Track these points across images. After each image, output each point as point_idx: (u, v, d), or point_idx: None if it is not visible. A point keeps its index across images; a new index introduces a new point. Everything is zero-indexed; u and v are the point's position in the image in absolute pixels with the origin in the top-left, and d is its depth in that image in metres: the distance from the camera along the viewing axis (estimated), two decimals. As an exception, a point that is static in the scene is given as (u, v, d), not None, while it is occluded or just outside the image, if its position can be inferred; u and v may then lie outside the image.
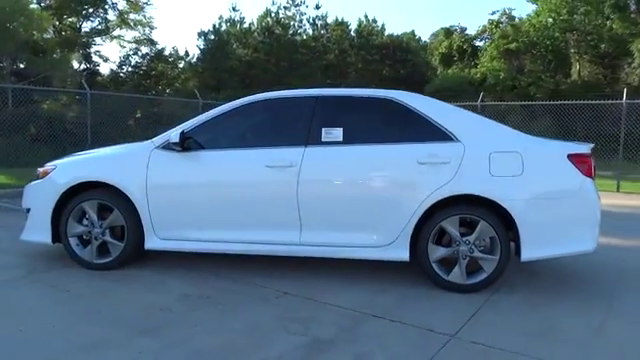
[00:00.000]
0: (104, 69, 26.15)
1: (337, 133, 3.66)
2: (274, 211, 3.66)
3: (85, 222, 3.91)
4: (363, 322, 2.98)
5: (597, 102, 12.67)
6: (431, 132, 3.59)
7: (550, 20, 21.98)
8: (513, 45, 21.70)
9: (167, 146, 3.78)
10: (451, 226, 3.48)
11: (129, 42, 26.23)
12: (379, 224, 3.55)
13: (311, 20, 29.56)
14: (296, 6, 28.59)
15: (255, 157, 3.69)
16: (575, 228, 3.48)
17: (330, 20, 29.12)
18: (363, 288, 3.56)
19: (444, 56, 25.98)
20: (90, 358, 2.48)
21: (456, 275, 3.50)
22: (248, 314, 3.07)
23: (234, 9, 28.74)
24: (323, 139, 3.66)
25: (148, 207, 3.74)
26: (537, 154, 3.48)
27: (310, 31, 29.14)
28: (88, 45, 25.99)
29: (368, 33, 29.00)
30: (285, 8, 27.32)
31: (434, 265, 3.52)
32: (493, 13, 25.73)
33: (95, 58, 26.54)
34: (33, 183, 4.07)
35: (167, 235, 3.78)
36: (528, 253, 3.42)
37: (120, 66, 27.36)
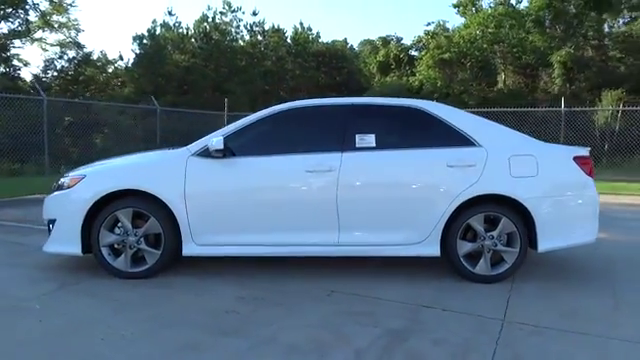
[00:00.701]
0: (25, 74, 24.46)
1: (370, 139, 3.92)
2: (314, 214, 3.85)
3: (117, 231, 3.88)
4: (420, 312, 3.25)
5: (538, 109, 13.96)
6: (455, 138, 3.95)
7: (479, 33, 23.55)
8: (447, 55, 23.01)
9: (204, 153, 3.86)
10: (477, 223, 3.85)
11: (52, 45, 24.84)
12: (413, 223, 3.85)
13: (248, 26, 29.63)
14: (233, 12, 28.46)
15: (295, 163, 3.87)
16: (580, 222, 3.97)
17: (267, 27, 29.33)
18: (400, 283, 3.83)
19: (381, 64, 26.99)
20: (188, 357, 2.56)
21: (482, 267, 3.87)
22: (312, 311, 3.24)
23: (170, 13, 28.09)
24: (357, 145, 3.90)
25: (187, 214, 3.80)
26: (548, 157, 3.95)
27: (247, 37, 29.16)
28: (6, 48, 24.30)
29: (304, 40, 29.52)
30: (222, 14, 27.12)
31: (462, 259, 3.87)
32: (428, 24, 27.11)
33: (15, 62, 24.86)
34: (57, 193, 3.97)
35: (205, 241, 3.85)
36: (543, 245, 3.86)
37: (45, 70, 25.78)
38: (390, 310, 3.28)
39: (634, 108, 14.65)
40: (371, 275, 4.02)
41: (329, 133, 4.00)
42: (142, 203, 3.84)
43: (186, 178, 3.82)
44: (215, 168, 3.85)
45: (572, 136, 13.40)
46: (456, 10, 26.03)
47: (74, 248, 3.86)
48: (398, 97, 18.74)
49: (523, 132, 4.21)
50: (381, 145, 3.91)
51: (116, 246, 3.90)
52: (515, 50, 23.09)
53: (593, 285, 3.86)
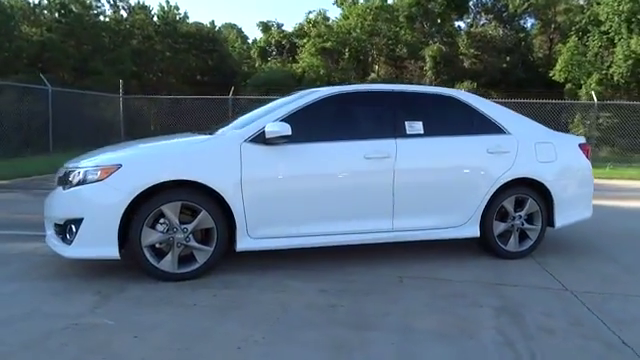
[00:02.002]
0: None
1: (418, 126, 4.00)
2: (372, 201, 3.82)
3: (160, 228, 3.41)
4: (500, 290, 3.44)
5: None
6: (489, 126, 4.22)
7: (357, 24, 24.65)
8: (328, 44, 23.70)
9: (257, 139, 3.57)
10: (509, 204, 4.18)
11: None
12: (458, 207, 4.04)
13: (111, 1, 27.14)
14: (92, -18, 25.81)
15: (353, 149, 3.78)
16: (582, 200, 4.54)
17: (132, 2, 27.19)
18: (452, 265, 4.00)
19: (262, 50, 26.74)
20: (354, 357, 2.42)
21: (512, 244, 4.22)
22: (409, 297, 3.23)
23: (17, -23, 24.24)
24: (407, 132, 3.95)
25: (243, 206, 3.48)
26: (562, 144, 4.42)
27: (110, 12, 26.73)
28: None
29: (172, 20, 28.02)
30: (80, -16, 24.37)
31: (497, 239, 4.18)
32: (310, 12, 27.50)
33: None
34: (82, 187, 3.33)
35: (262, 234, 3.58)
36: (559, 222, 4.35)
37: None
38: (476, 290, 3.42)
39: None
40: (420, 259, 4.10)
41: (381, 120, 3.98)
42: (192, 195, 3.42)
43: (242, 166, 3.49)
44: (272, 155, 3.58)
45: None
46: (334, 1, 26.83)
47: (110, 250, 3.30)
48: (285, 84, 18.84)
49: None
50: (427, 132, 4.01)
51: (157, 245, 3.43)
52: (390, 43, 24.66)
53: (599, 256, 4.45)
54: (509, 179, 4.12)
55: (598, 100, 16.12)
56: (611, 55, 20.82)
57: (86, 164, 3.44)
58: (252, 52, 27.56)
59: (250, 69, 27.73)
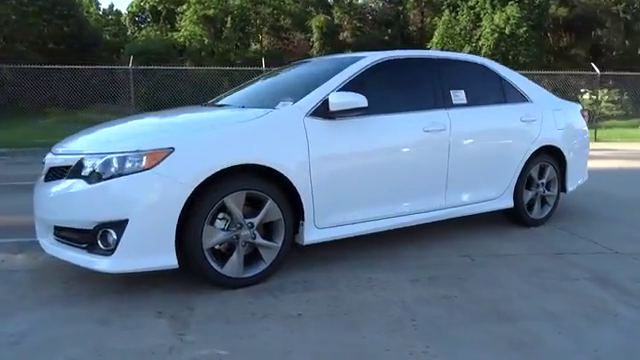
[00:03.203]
0: None
1: (462, 95, 3.78)
2: (430, 177, 3.55)
3: (219, 224, 2.76)
4: (567, 259, 3.43)
5: None
6: (515, 94, 4.16)
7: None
8: (210, 12, 22.27)
9: (317, 112, 3.05)
10: (535, 172, 4.20)
11: None
12: (498, 178, 3.95)
13: None
14: None
15: (413, 122, 3.44)
16: (584, 164, 4.75)
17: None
18: (494, 237, 3.91)
19: (135, 16, 24.20)
20: (540, 353, 2.17)
21: (536, 212, 4.28)
22: (503, 279, 3.03)
23: None
24: (454, 101, 3.71)
25: (312, 192, 2.97)
26: (570, 110, 4.55)
27: None
28: None
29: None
30: None
31: (525, 207, 4.19)
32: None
33: None
34: (124, 179, 2.52)
35: (327, 222, 3.10)
36: (570, 186, 4.51)
37: None
38: (547, 262, 3.35)
39: None
40: (456, 235, 3.94)
41: (431, 89, 3.65)
42: (258, 182, 2.81)
43: (309, 145, 2.96)
44: (335, 130, 3.08)
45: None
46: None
47: (166, 258, 2.58)
48: (165, 53, 17.57)
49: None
50: (469, 102, 3.81)
51: (216, 247, 2.78)
52: (274, 12, 23.99)
53: (603, 216, 4.71)
54: (537, 147, 4.12)
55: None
56: (478, 29, 22.71)
57: (118, 148, 2.61)
58: (123, 19, 24.77)
59: (114, 37, 25.01)
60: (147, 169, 2.52)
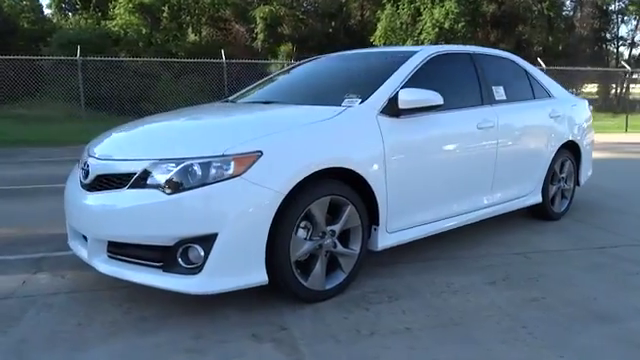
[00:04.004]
0: None
1: (502, 91, 3.75)
2: (481, 175, 3.50)
3: (302, 234, 2.53)
4: (614, 253, 3.50)
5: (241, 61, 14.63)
6: (540, 90, 4.20)
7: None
8: (147, 0, 21.08)
9: (386, 109, 2.88)
10: (558, 167, 4.28)
11: None
12: (532, 174, 3.98)
13: None
14: None
15: (468, 118, 3.36)
16: (590, 159, 4.90)
17: None
18: (524, 233, 3.93)
19: (61, 2, 22.37)
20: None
21: (557, 206, 4.37)
22: (575, 278, 3.03)
23: None
24: (496, 97, 3.67)
25: (386, 195, 2.81)
26: (582, 106, 4.67)
27: None
28: None
29: None
30: None
31: (549, 202, 4.25)
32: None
33: None
34: (211, 188, 2.21)
35: (396, 226, 2.95)
36: (582, 180, 4.65)
37: None
38: (598, 257, 3.40)
39: (297, 63, 17.56)
40: (496, 232, 3.92)
41: (476, 84, 3.58)
42: (339, 187, 2.60)
43: (384, 145, 2.78)
44: (403, 129, 2.92)
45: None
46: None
47: (257, 275, 2.32)
48: (100, 44, 16.59)
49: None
50: (508, 98, 3.79)
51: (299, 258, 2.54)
52: (215, 3, 23.13)
53: (609, 207, 4.90)
54: (563, 142, 4.20)
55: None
56: (419, 23, 23.22)
57: (196, 152, 2.29)
58: (46, 5, 22.82)
59: (32, 26, 22.94)
60: (236, 176, 2.24)
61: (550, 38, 28.21)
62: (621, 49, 31.29)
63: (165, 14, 22.00)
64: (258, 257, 2.30)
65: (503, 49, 5.11)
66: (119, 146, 2.65)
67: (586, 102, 4.82)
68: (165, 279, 2.27)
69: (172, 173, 2.25)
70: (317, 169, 2.43)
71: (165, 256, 2.27)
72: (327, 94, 3.13)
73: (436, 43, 22.41)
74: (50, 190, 5.36)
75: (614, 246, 3.64)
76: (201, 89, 17.12)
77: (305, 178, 2.40)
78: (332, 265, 2.65)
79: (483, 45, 4.37)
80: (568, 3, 30.47)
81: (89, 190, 2.53)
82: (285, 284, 2.43)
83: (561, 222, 4.30)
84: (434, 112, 3.07)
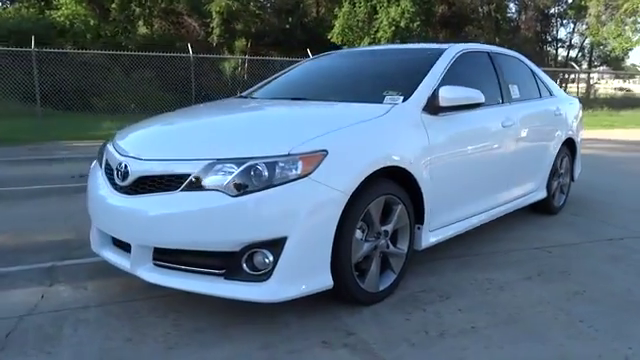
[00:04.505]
0: None
1: (516, 90, 3.82)
2: (505, 171, 3.54)
3: (359, 235, 2.45)
4: (621, 245, 3.65)
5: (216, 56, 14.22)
6: (543, 89, 4.32)
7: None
8: (95, -10, 20.11)
9: (426, 107, 2.85)
10: (558, 163, 4.41)
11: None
12: (540, 170, 4.08)
13: None
14: None
15: (495, 116, 3.39)
16: (580, 155, 5.09)
17: None
18: (534, 229, 4.02)
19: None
20: None
21: (557, 200, 4.51)
22: (601, 268, 3.13)
23: None
24: (512, 96, 3.73)
25: (430, 192, 2.78)
26: (576, 104, 4.83)
27: None
28: None
29: None
30: None
31: (552, 197, 4.39)
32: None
33: None
34: (280, 189, 2.10)
35: (437, 224, 2.94)
36: (576, 175, 4.83)
37: None
38: (618, 249, 3.54)
39: (256, 57, 17.27)
40: (505, 227, 3.98)
41: (496, 82, 3.62)
42: (392, 186, 2.55)
43: (429, 143, 2.75)
44: (441, 126, 2.90)
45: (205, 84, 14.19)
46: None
47: (323, 279, 2.24)
48: (44, 34, 15.74)
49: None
50: (522, 96, 3.86)
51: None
52: (169, -5, 22.41)
53: (599, 201, 5.11)
54: (564, 139, 4.34)
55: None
56: (375, 21, 23.47)
57: (257, 151, 2.17)
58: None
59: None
60: (304, 176, 2.13)
61: (497, 39, 29.26)
62: (560, 50, 33.11)
63: (114, 5, 21.04)
64: (324, 260, 2.21)
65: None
66: (166, 145, 2.47)
67: (577, 100, 5.01)
68: (228, 287, 2.14)
69: (235, 174, 2.11)
70: (377, 168, 2.37)
71: (228, 262, 2.13)
72: (362, 91, 3.07)
73: (392, 41, 22.76)
74: (19, 193, 5.00)
75: (620, 238, 3.79)
76: (164, 84, 16.55)
77: (366, 178, 2.32)
78: (382, 266, 2.60)
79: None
80: (512, 5, 31.75)
81: (128, 193, 2.34)
82: (346, 287, 2.35)
83: (560, 216, 4.43)
84: (466, 110, 3.07)
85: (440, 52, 3.23)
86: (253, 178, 2.10)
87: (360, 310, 2.45)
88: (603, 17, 27.95)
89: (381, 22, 22.99)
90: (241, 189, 2.09)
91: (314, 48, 20.99)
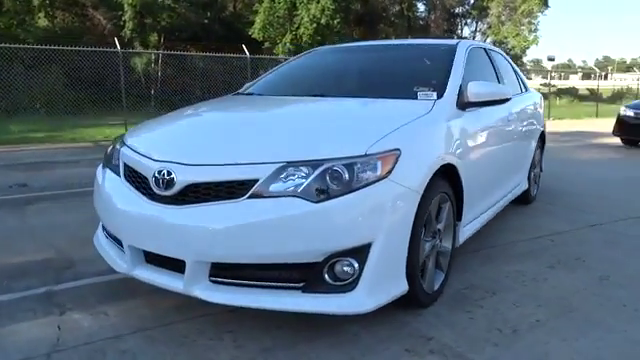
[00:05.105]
0: None
1: (509, 85, 3.93)
2: (508, 165, 3.64)
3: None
4: (607, 230, 3.92)
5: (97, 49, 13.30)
6: (521, 83, 4.50)
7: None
8: (-14, -24, 18.08)
9: (457, 103, 2.84)
10: (535, 156, 4.63)
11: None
12: (525, 163, 4.26)
13: None
14: None
15: (500, 111, 3.42)
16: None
17: None
18: (530, 217, 4.20)
19: None
20: None
21: (532, 190, 4.73)
22: (606, 254, 3.31)
23: None
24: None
25: (468, 188, 2.78)
26: (541, 98, 5.10)
27: None
28: None
29: None
30: None
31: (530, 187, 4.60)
32: None
33: None
34: (363, 192, 1.94)
35: (467, 219, 2.95)
36: (543, 165, 5.11)
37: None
38: (603, 234, 3.78)
39: (172, 52, 16.50)
40: (498, 221, 4.09)
41: (494, 78, 3.68)
42: (444, 184, 2.50)
43: (463, 139, 2.74)
44: (469, 122, 2.88)
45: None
46: None
47: (399, 285, 2.14)
48: None
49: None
50: (512, 92, 3.97)
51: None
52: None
53: (564, 191, 5.45)
54: (540, 131, 4.57)
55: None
56: (296, 18, 23.42)
57: (329, 152, 2.00)
58: None
59: None
60: (383, 177, 2.01)
61: (409, 37, 30.47)
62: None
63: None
64: (402, 264, 2.11)
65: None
66: (217, 148, 2.19)
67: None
68: (307, 301, 1.96)
69: (311, 178, 1.94)
70: (440, 165, 2.32)
71: (307, 274, 1.95)
72: (388, 87, 2.98)
73: (314, 38, 22.85)
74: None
75: (600, 224, 4.06)
76: (72, 82, 15.29)
77: (432, 176, 2.25)
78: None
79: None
80: (420, 5, 33.16)
81: (174, 203, 2.07)
82: (414, 290, 2.26)
83: (538, 206, 4.65)
84: (487, 106, 3.09)
85: (453, 48, 3.22)
86: (332, 181, 1.94)
87: (421, 313, 2.38)
88: (503, 17, 30.17)
89: (302, 19, 22.96)
90: (322, 194, 1.92)
91: (234, 44, 20.56)
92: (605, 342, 2.15)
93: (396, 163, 2.06)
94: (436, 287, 2.49)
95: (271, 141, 2.19)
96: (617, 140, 9.90)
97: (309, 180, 1.93)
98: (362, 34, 30.75)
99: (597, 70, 45.97)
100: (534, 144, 4.40)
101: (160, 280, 2.15)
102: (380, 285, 2.02)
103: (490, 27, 30.98)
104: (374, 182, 1.98)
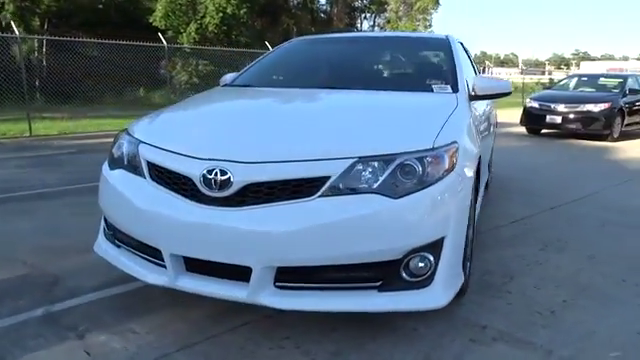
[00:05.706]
0: None
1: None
2: (487, 154, 3.81)
3: (457, 228, 2.43)
4: (567, 212, 4.29)
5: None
6: (477, 74, 4.73)
7: None
8: None
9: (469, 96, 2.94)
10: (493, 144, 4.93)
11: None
12: (490, 154, 4.50)
13: None
14: None
15: (483, 104, 3.59)
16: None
17: None
18: (499, 206, 4.46)
19: None
20: None
21: (489, 177, 5.04)
22: (586, 234, 3.63)
23: None
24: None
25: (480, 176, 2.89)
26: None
27: None
28: None
29: None
30: None
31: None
32: None
33: None
34: (436, 187, 1.92)
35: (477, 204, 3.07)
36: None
37: None
38: (562, 215, 4.13)
39: (63, 39, 14.63)
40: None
41: (472, 70, 3.84)
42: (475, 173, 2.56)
43: (475, 129, 2.84)
44: (473, 114, 3.01)
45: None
46: None
47: (461, 275, 2.17)
48: None
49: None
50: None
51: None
52: None
53: (502, 175, 5.84)
54: (495, 122, 4.86)
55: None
56: (200, 6, 22.54)
57: (398, 146, 1.95)
58: None
59: None
60: (450, 170, 2.01)
61: (313, 29, 30.76)
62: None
63: None
64: (462, 256, 2.13)
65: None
66: (276, 144, 2.01)
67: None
68: (385, 300, 1.90)
69: (387, 173, 1.88)
70: (479, 155, 2.36)
71: (385, 272, 1.90)
72: (399, 80, 2.98)
73: (220, 28, 22.18)
74: None
75: (556, 206, 4.43)
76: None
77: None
78: (460, 255, 2.60)
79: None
80: (322, -1, 33.54)
81: (231, 205, 1.89)
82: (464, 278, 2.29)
83: (496, 193, 4.92)
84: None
85: (446, 42, 3.29)
86: (406, 176, 1.90)
87: (460, 302, 2.42)
88: (400, 13, 31.60)
89: (207, 7, 22.17)
90: (397, 189, 1.87)
91: (133, 31, 19.26)
92: (628, 317, 2.35)
93: (457, 156, 2.06)
94: (467, 275, 2.55)
95: (334, 136, 2.07)
96: (519, 129, 10.76)
97: (385, 175, 1.87)
98: (265, 25, 30.45)
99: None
100: (493, 133, 4.66)
101: (211, 289, 1.96)
102: (452, 278, 2.03)
103: (389, 22, 32.27)
104: (444, 175, 1.97)
